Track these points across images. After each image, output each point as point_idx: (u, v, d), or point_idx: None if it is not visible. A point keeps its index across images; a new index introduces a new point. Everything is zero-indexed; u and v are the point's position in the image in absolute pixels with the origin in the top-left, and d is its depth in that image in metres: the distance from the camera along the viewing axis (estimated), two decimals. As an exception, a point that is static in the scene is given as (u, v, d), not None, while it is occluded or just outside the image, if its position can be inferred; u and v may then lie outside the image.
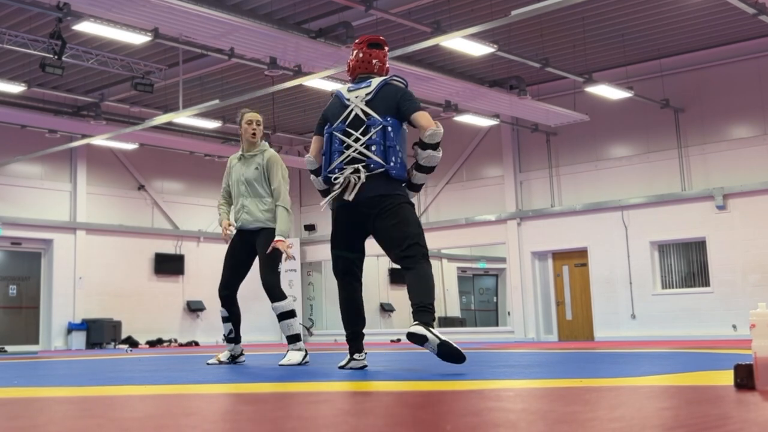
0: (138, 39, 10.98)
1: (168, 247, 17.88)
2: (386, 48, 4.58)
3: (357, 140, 4.25)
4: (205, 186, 18.20)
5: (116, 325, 16.44)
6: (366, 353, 4.52)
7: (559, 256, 16.11)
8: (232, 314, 5.70)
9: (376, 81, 4.38)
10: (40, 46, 11.86)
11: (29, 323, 16.30)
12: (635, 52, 14.20)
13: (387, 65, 4.57)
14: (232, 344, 5.76)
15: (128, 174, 17.66)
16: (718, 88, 14.30)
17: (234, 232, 5.65)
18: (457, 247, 19.56)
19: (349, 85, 4.50)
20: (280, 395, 3.21)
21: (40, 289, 16.36)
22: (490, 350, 8.46)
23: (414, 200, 4.46)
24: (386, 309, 20.14)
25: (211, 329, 17.78)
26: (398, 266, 4.27)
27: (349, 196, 4.19)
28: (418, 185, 4.43)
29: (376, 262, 18.43)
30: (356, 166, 4.22)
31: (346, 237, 4.43)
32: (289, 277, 19.35)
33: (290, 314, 5.51)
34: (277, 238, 5.37)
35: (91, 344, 15.93)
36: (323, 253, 19.63)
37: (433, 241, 18.37)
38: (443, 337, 3.86)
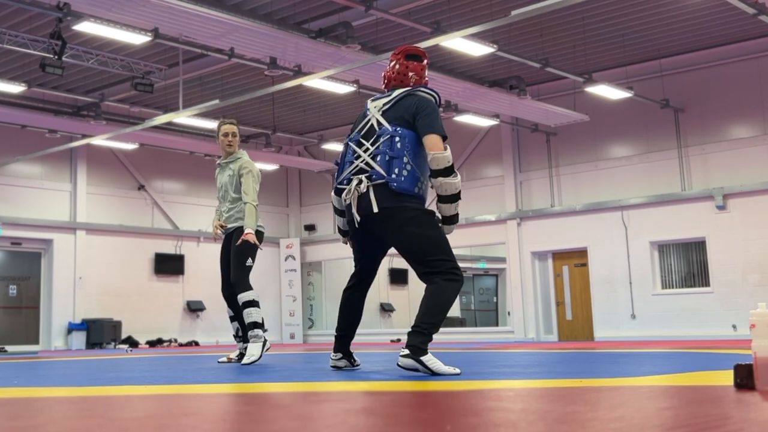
0: (138, 39, 10.98)
1: (168, 247, 17.88)
2: (425, 60, 4.38)
3: (367, 150, 4.13)
4: (205, 186, 18.19)
5: (116, 325, 16.44)
6: (343, 356, 4.40)
7: (559, 256, 16.11)
8: (237, 313, 5.90)
9: (399, 91, 4.22)
10: (40, 46, 11.86)
11: (29, 323, 16.29)
12: (635, 52, 14.20)
13: (426, 78, 4.36)
14: (242, 342, 5.92)
15: (128, 174, 17.66)
16: (718, 88, 14.30)
17: (223, 232, 5.98)
18: (457, 247, 19.35)
19: (378, 94, 4.39)
20: (280, 395, 3.21)
21: (40, 289, 16.36)
22: (490, 350, 8.46)
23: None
24: (386, 309, 20.14)
25: (211, 329, 17.79)
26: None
27: (355, 213, 4.07)
28: (449, 217, 4.18)
29: (376, 262, 18.40)
30: (360, 176, 4.08)
31: (365, 253, 4.32)
32: (289, 277, 19.36)
33: (251, 303, 5.67)
34: (246, 231, 5.65)
35: (91, 344, 15.93)
36: (323, 253, 19.65)
37: (433, 241, 18.51)
38: (434, 368, 3.73)
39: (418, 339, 3.78)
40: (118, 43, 12.40)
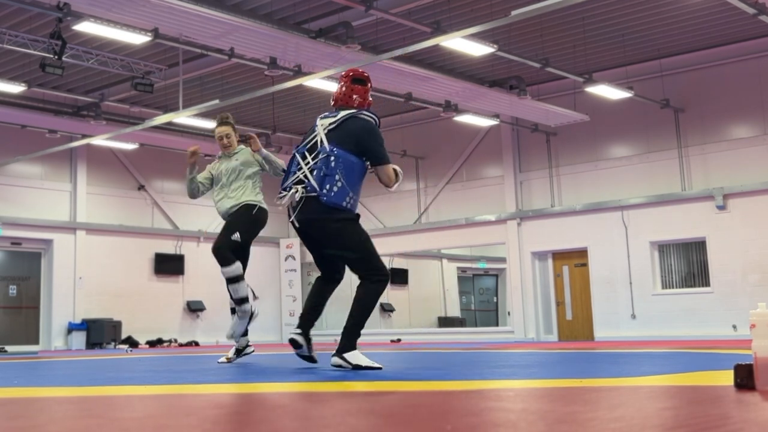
0: (138, 39, 10.98)
1: (168, 247, 17.87)
2: (369, 84, 4.79)
3: (308, 164, 4.55)
4: (205, 186, 18.17)
5: (116, 325, 16.44)
6: (302, 334, 4.75)
7: (559, 256, 16.11)
8: (224, 258, 5.88)
9: (344, 113, 4.62)
10: (40, 46, 11.86)
11: (29, 323, 16.29)
12: (635, 52, 14.20)
13: (369, 99, 4.77)
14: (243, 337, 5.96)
15: (128, 174, 17.66)
16: (718, 88, 14.30)
17: (198, 157, 6.00)
18: (457, 247, 19.55)
19: (328, 112, 4.76)
20: (280, 395, 3.22)
21: (40, 289, 16.35)
22: (490, 350, 8.46)
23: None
24: (386, 309, 20.13)
25: (211, 329, 17.78)
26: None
27: (292, 217, 4.54)
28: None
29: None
30: (298, 186, 4.52)
31: (311, 250, 4.76)
32: (289, 277, 19.35)
33: (236, 279, 5.73)
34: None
35: (91, 344, 15.92)
36: (323, 253, 19.63)
37: (433, 241, 18.52)
38: (354, 362, 4.31)
39: (344, 339, 4.40)
40: (118, 43, 12.40)
